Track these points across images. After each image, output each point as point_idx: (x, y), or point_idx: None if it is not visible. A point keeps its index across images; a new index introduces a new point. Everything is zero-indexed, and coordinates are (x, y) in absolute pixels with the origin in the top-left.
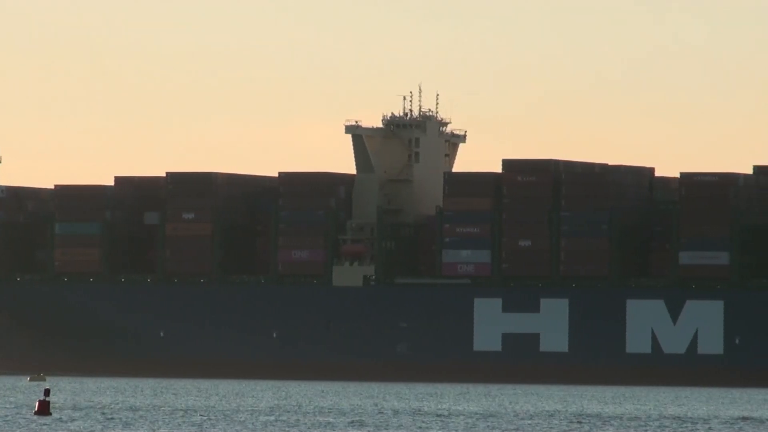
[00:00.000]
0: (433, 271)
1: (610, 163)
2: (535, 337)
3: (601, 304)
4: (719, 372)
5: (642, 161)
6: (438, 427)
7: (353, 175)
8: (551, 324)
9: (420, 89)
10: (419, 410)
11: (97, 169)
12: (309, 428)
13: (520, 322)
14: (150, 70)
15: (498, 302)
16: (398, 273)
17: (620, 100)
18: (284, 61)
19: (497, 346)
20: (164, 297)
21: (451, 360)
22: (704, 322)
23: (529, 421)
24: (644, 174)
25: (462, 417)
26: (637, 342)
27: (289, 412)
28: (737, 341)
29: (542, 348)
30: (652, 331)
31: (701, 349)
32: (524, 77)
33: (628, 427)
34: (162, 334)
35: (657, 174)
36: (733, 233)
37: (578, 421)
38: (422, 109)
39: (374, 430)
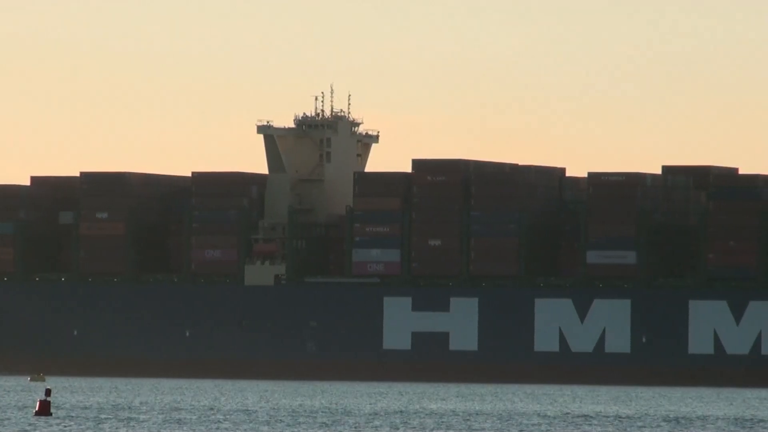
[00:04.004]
0: (343, 270)
1: (522, 163)
2: (444, 336)
3: (510, 303)
4: (626, 370)
5: (554, 161)
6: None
7: (265, 174)
8: (461, 323)
9: (332, 89)
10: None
11: (12, 168)
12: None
13: (430, 321)
14: (63, 69)
15: (407, 301)
16: (309, 272)
17: (532, 100)
18: (196, 60)
19: (407, 345)
20: (78, 296)
21: (361, 358)
22: (611, 321)
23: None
24: (555, 174)
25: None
26: (545, 341)
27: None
28: (644, 340)
29: (452, 347)
30: (560, 329)
31: (608, 348)
32: (437, 77)
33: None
34: (76, 332)
35: (568, 174)
36: (640, 233)
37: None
38: (334, 110)
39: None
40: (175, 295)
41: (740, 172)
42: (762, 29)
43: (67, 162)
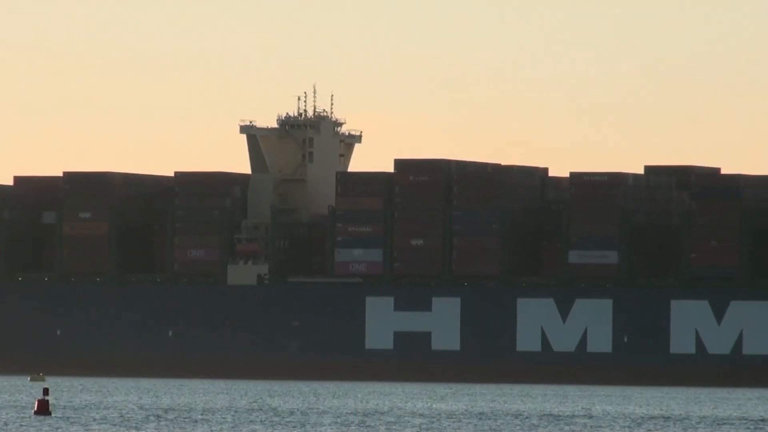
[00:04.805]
0: (326, 270)
1: (505, 163)
2: (426, 336)
3: (492, 303)
4: (608, 370)
5: (537, 161)
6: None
7: (248, 174)
8: (443, 322)
9: (314, 89)
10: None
11: None
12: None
13: (412, 321)
14: (46, 70)
15: (390, 301)
16: (291, 272)
17: (515, 100)
18: (179, 60)
19: (389, 345)
20: (61, 296)
21: (343, 358)
22: (593, 321)
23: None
24: (537, 174)
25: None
26: (527, 340)
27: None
28: (625, 339)
29: (434, 346)
30: (542, 329)
31: (590, 348)
32: (419, 77)
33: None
34: (59, 332)
35: (551, 174)
36: (622, 232)
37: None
38: (317, 110)
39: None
40: (158, 295)
41: (723, 172)
42: (744, 30)
43: (50, 162)
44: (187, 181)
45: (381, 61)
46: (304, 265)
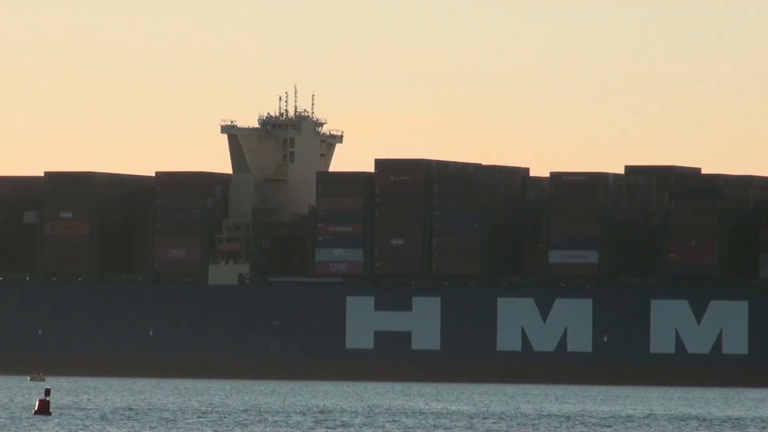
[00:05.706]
0: (307, 269)
1: (486, 163)
2: (407, 335)
3: (472, 303)
4: (588, 370)
5: (518, 161)
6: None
7: (229, 174)
8: (423, 322)
9: (296, 89)
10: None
11: None
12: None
13: (392, 321)
14: (27, 69)
15: (370, 300)
16: (273, 272)
17: (496, 100)
18: (161, 60)
19: (369, 344)
20: (42, 296)
21: (324, 358)
22: (573, 321)
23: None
24: (518, 174)
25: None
26: (508, 340)
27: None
28: (605, 339)
29: (414, 346)
30: (522, 329)
31: (570, 347)
32: (401, 77)
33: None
34: (40, 332)
35: (532, 174)
36: (602, 232)
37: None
38: (298, 110)
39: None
40: (138, 295)
41: (703, 172)
42: (726, 32)
43: (32, 162)
44: (168, 180)
45: (362, 62)
46: (285, 265)
